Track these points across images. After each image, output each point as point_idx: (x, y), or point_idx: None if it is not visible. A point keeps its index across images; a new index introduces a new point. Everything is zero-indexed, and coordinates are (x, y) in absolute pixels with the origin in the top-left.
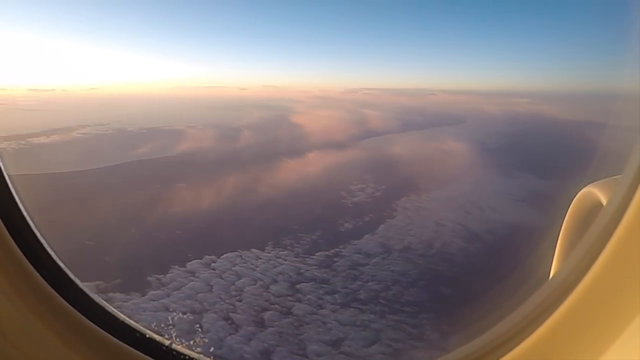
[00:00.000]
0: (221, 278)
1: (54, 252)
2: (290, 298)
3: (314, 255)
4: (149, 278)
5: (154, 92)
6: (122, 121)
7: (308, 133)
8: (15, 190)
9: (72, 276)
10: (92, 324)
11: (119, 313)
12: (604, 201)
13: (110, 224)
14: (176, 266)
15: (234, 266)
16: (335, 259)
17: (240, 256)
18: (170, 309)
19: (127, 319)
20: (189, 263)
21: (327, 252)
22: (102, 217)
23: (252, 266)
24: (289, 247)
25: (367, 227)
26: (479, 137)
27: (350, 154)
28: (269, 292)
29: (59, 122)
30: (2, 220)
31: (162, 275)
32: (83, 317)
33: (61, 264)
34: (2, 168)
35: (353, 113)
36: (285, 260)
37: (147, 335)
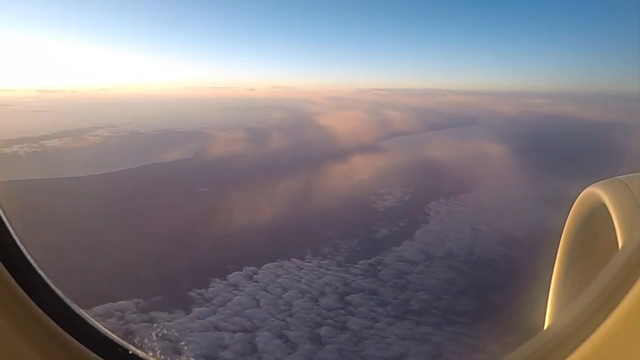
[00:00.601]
0: (266, 291)
1: (43, 271)
2: (342, 311)
3: (356, 263)
4: (190, 293)
5: (162, 93)
6: (134, 123)
7: (337, 135)
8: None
9: (56, 290)
10: (75, 340)
11: (107, 331)
12: (607, 201)
13: (137, 233)
14: (217, 279)
15: (277, 278)
16: (378, 268)
17: (281, 266)
18: (220, 328)
19: (115, 336)
20: (230, 275)
21: (369, 260)
22: (129, 226)
23: (295, 277)
24: (329, 256)
25: (404, 232)
26: (501, 138)
27: (376, 155)
28: (319, 305)
29: (70, 124)
30: None
31: (203, 290)
32: (68, 335)
33: (53, 286)
34: None
35: (373, 114)
36: (329, 270)
37: (130, 352)
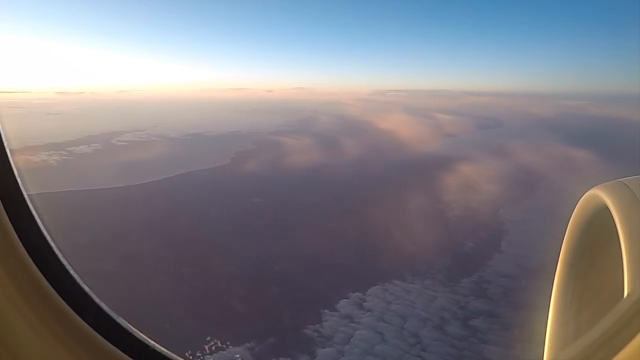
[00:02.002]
0: (385, 321)
1: (70, 265)
2: (473, 339)
3: (459, 282)
4: (305, 330)
5: (180, 94)
6: (159, 126)
7: (407, 140)
8: (37, 212)
9: (86, 289)
10: (107, 342)
11: (137, 332)
12: (609, 203)
13: (211, 256)
14: (326, 310)
15: (389, 304)
16: (484, 286)
17: (386, 290)
18: None
19: (146, 338)
20: (338, 305)
21: (471, 278)
22: (199, 247)
23: (407, 302)
24: (428, 275)
25: (490, 244)
26: (547, 141)
27: (429, 159)
28: (446, 334)
29: (93, 128)
30: (11, 221)
31: (318, 325)
32: (99, 335)
33: (81, 283)
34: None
35: (420, 116)
36: (436, 291)
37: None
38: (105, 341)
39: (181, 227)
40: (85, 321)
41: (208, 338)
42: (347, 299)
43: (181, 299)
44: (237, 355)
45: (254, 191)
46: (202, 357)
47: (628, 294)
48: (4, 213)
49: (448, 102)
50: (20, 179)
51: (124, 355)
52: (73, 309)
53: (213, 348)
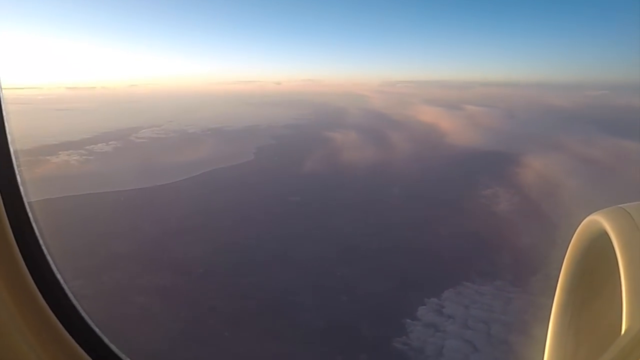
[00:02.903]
0: (469, 328)
1: (65, 283)
2: None
3: (528, 282)
4: (394, 344)
5: (189, 88)
6: (174, 121)
7: (451, 133)
8: (35, 220)
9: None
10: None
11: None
12: (608, 229)
13: (269, 264)
14: (408, 320)
15: (467, 309)
16: (554, 283)
17: (460, 293)
18: None
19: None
20: (418, 313)
21: (538, 277)
22: (252, 255)
23: (485, 306)
24: (497, 276)
25: (548, 239)
26: (586, 133)
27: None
28: (534, 339)
29: (108, 124)
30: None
31: (404, 337)
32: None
33: (75, 303)
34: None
35: (451, 108)
36: (509, 292)
37: None
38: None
39: (225, 232)
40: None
41: None
42: (425, 305)
43: (246, 315)
44: None
45: (288, 189)
46: None
47: (626, 330)
48: (7, 221)
49: (464, 93)
50: (23, 186)
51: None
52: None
53: None
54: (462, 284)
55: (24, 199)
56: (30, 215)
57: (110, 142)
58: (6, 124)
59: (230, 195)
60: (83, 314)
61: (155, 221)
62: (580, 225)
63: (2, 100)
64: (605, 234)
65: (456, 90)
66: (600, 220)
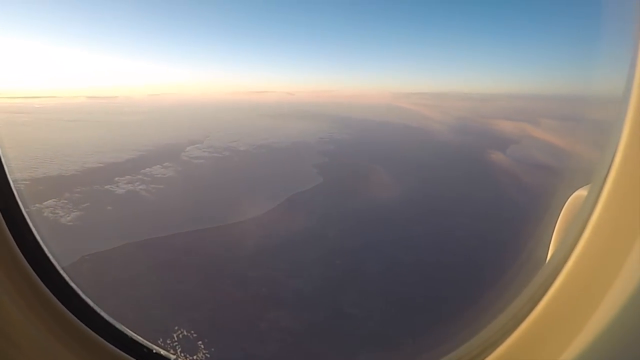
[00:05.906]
0: None
1: (61, 267)
2: None
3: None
4: None
5: (205, 98)
6: (212, 136)
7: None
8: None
9: (78, 290)
10: (101, 339)
11: (128, 330)
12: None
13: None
14: None
15: None
16: None
17: None
18: None
19: (136, 335)
20: None
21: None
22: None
23: None
24: None
25: None
26: None
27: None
28: None
29: (142, 140)
30: (9, 227)
31: None
32: (94, 334)
33: (74, 286)
34: (20, 203)
35: (533, 124)
36: None
37: (154, 351)
38: (98, 337)
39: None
40: (81, 321)
41: None
42: None
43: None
44: None
45: (387, 216)
46: None
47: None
48: (3, 222)
49: (495, 105)
50: (19, 195)
51: (123, 354)
52: (72, 313)
53: None
54: None
55: (8, 177)
56: (17, 198)
57: (164, 164)
58: None
59: (336, 229)
60: (82, 295)
61: (267, 269)
62: (567, 201)
63: None
64: None
65: (482, 102)
66: (585, 195)
